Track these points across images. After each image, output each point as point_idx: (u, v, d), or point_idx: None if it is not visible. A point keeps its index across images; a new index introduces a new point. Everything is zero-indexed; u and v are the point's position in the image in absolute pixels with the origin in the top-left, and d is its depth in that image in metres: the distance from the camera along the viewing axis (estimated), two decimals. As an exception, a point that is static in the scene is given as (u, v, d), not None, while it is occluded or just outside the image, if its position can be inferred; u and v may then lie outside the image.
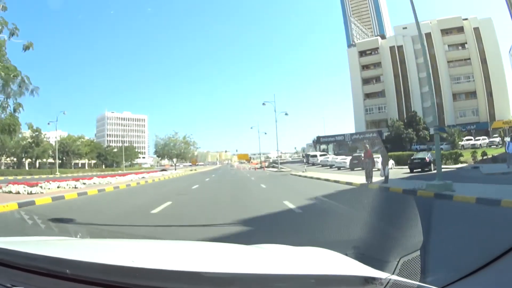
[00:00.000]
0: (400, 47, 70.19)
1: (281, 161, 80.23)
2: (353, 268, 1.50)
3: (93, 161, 71.76)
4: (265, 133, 62.81)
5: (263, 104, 36.74)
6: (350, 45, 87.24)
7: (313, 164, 42.19)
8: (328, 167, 37.07)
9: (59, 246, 2.10)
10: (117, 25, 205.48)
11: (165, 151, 54.79)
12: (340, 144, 63.95)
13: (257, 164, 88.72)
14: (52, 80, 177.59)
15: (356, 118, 71.29)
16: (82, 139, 64.74)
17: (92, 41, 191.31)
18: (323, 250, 1.88)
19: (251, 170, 45.77)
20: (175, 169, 50.12)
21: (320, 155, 43.06)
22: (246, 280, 1.27)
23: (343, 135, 64.42)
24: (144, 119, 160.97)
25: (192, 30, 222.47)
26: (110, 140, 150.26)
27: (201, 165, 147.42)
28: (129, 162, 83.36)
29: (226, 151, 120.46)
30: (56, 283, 1.35)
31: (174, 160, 57.61)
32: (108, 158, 70.69)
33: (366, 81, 71.74)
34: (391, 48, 71.20)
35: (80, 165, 70.67)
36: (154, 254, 1.90)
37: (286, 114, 38.76)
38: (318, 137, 65.93)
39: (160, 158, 60.38)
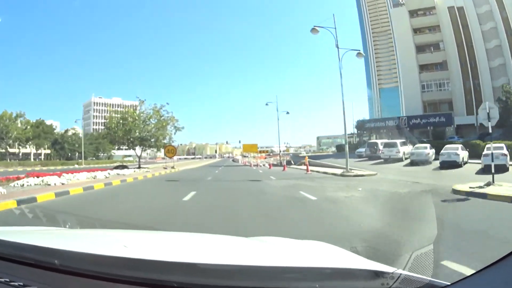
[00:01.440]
0: (460, 9, 52.00)
1: (297, 155, 61.58)
2: (361, 262, 1.44)
3: (47, 151, 52.57)
4: (287, 113, 42.79)
5: (315, 30, 17.61)
6: (396, 4, 68.07)
7: (386, 161, 23.68)
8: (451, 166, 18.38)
9: (48, 236, 1.99)
10: (111, 7, 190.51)
11: (120, 133, 30.94)
12: (391, 131, 45.21)
13: (265, 158, 69.84)
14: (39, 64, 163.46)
15: (407, 97, 52.54)
16: (21, 118, 44.93)
17: (81, 25, 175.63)
18: (326, 244, 1.78)
19: (274, 170, 27.02)
20: (139, 167, 29.14)
21: (401, 144, 24.12)
22: (247, 272, 1.21)
23: (398, 118, 45.64)
24: (136, 106, 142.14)
25: (193, 20, 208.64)
26: (97, 129, 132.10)
27: (198, 158, 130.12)
28: (105, 154, 64.94)
29: (227, 143, 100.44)
30: (43, 274, 1.27)
31: (137, 149, 33.60)
32: (65, 148, 51.21)
33: (420, 49, 53.19)
34: (450, 10, 52.81)
35: (33, 157, 51.68)
36: (148, 245, 1.79)
37: (359, 53, 19.89)
38: (361, 122, 47.40)
39: (116, 147, 37.10)
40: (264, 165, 38.83)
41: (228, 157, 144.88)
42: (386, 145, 23.90)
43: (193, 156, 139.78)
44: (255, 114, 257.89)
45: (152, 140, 32.83)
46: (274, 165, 36.96)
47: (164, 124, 33.19)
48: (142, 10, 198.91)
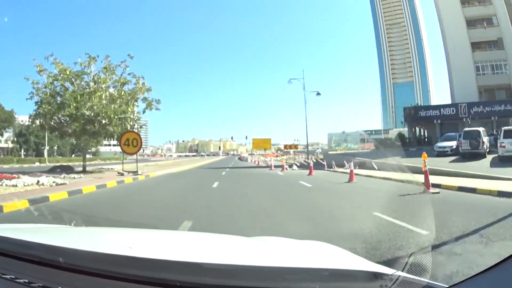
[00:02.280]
0: (508, -20, 42.67)
1: (325, 152, 50.92)
2: (360, 263, 1.46)
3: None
4: (318, 93, 33.22)
5: None
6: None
7: (501, 161, 14.19)
8: None
9: (53, 234, 1.99)
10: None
11: (46, 109, 17.73)
12: (443, 121, 35.39)
13: (276, 156, 60.05)
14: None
15: (458, 81, 42.61)
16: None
17: None
18: (326, 244, 1.80)
19: (323, 179, 15.65)
20: (84, 170, 18.77)
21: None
22: (249, 272, 1.21)
23: (456, 105, 35.80)
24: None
25: (194, 19, 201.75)
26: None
27: (200, 155, 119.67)
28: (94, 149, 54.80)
29: (232, 139, 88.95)
30: (48, 272, 1.27)
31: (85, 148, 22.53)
32: (30, 140, 40.94)
33: (471, 23, 43.74)
34: (497, -21, 43.41)
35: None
36: (153, 244, 1.80)
37: None
38: (412, 109, 37.51)
39: (49, 132, 22.62)
40: (291, 166, 26.74)
41: (233, 154, 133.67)
42: (508, 134, 13.98)
43: (194, 154, 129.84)
44: (260, 110, 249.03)
45: (103, 121, 18.97)
46: (298, 166, 27.01)
47: (122, 93, 19.51)
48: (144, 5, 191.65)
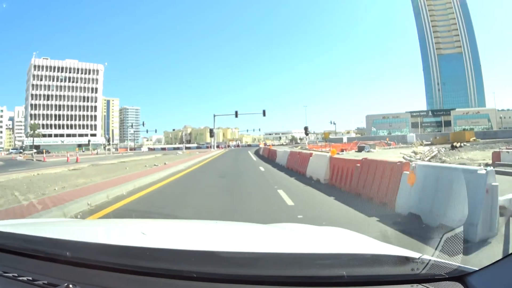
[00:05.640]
0: None
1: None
2: (385, 248, 1.40)
3: None
4: None
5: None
6: None
7: None
8: None
9: (59, 227, 1.92)
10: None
11: None
12: None
13: (342, 150, 28.52)
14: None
15: None
16: None
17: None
18: (346, 230, 1.73)
19: None
20: None
21: None
22: (273, 260, 1.15)
23: None
24: (98, 71, 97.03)
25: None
26: (37, 105, 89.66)
27: (181, 150, 78.30)
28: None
29: (236, 115, 53.08)
30: (53, 267, 1.20)
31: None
32: None
33: None
34: None
35: None
36: (166, 234, 1.70)
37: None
38: None
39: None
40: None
41: (236, 145, 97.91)
42: None
43: (176, 146, 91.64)
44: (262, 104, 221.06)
45: None
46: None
47: None
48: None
